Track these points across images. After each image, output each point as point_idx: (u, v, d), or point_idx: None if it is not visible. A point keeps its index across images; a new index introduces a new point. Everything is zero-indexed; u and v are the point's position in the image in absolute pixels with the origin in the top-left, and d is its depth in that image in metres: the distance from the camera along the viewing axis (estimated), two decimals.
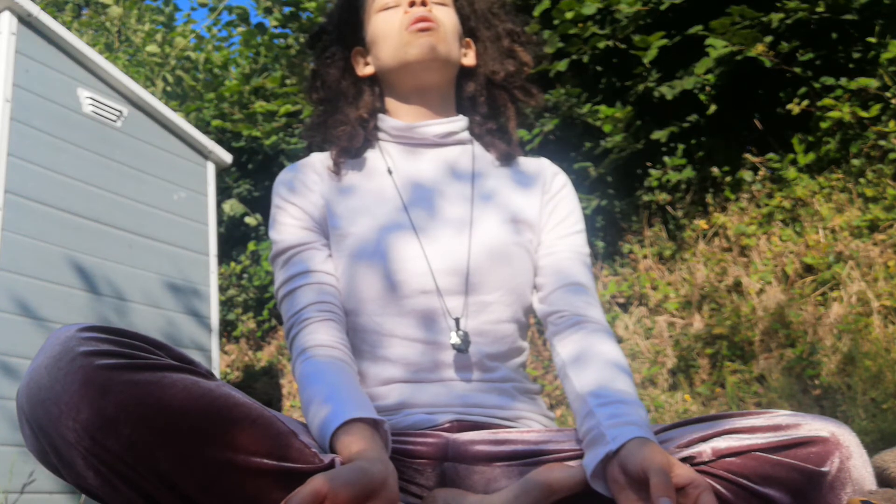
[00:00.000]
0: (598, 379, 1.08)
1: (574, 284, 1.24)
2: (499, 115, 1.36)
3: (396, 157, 1.30)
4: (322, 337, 1.13)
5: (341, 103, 1.34)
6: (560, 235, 1.28)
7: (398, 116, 1.31)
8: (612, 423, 0.98)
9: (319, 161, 1.31)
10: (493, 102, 1.36)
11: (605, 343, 1.15)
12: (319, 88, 1.37)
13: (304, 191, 1.27)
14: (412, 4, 1.26)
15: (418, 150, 1.30)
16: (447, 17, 1.29)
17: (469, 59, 1.35)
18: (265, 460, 0.87)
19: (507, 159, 1.33)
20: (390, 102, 1.32)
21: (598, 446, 0.97)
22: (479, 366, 1.18)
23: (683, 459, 0.92)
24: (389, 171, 1.28)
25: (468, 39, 1.36)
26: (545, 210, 1.29)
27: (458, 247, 1.21)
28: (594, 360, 1.11)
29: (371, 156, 1.31)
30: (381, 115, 1.31)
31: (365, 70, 1.34)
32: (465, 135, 1.33)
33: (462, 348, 1.16)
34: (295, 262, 1.22)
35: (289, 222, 1.25)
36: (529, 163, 1.36)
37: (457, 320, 1.17)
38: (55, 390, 0.83)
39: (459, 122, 1.32)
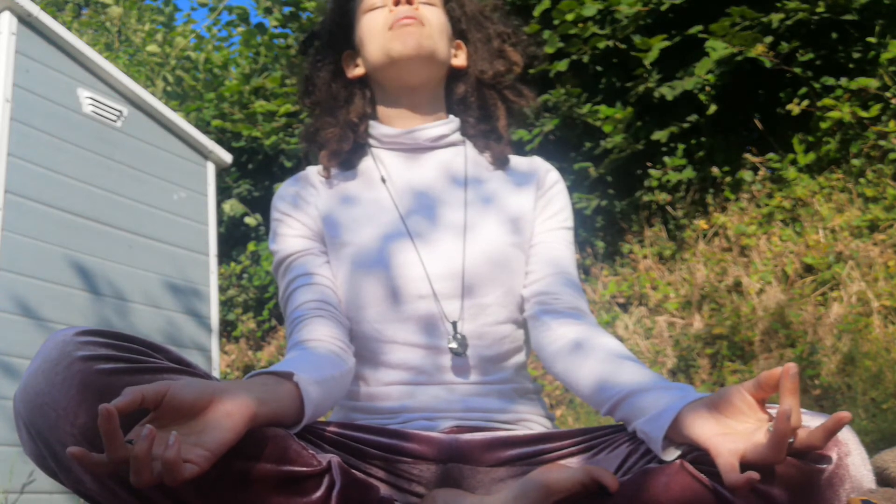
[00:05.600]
0: (637, 371, 1.06)
1: (570, 278, 1.25)
2: (490, 116, 1.36)
3: (390, 164, 1.30)
4: (315, 332, 1.14)
5: (333, 107, 1.34)
6: (552, 227, 1.29)
7: (389, 121, 1.32)
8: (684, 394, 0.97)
9: (315, 173, 1.32)
10: (484, 103, 1.36)
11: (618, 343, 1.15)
12: (311, 92, 1.37)
13: (302, 204, 1.28)
14: (397, 3, 1.27)
15: (411, 155, 1.31)
16: (434, 15, 1.30)
17: (459, 60, 1.35)
18: (263, 464, 0.87)
19: (499, 160, 1.33)
20: (381, 106, 1.33)
21: (678, 392, 0.97)
22: (479, 368, 1.19)
23: (681, 456, 0.92)
24: (383, 180, 1.28)
25: (459, 42, 1.36)
26: (538, 204, 1.30)
27: (454, 251, 1.21)
28: (622, 356, 1.11)
29: (365, 164, 1.32)
30: (372, 122, 1.32)
31: (355, 71, 1.34)
32: (457, 136, 1.33)
33: (459, 352, 1.17)
34: (293, 266, 1.24)
35: (288, 233, 1.27)
36: (522, 162, 1.36)
37: (454, 324, 1.18)
38: (53, 395, 0.83)
39: (451, 125, 1.32)
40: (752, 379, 0.87)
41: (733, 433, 0.85)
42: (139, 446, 0.74)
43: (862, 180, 4.07)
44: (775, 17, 4.10)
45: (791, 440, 0.82)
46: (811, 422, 0.88)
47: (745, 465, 0.82)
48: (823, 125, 4.24)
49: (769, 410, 0.88)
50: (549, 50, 4.47)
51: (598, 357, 1.11)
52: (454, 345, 1.17)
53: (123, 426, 0.74)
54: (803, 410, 0.90)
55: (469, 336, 1.18)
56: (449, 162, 1.31)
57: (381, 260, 1.20)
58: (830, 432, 0.80)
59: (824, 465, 0.85)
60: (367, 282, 1.20)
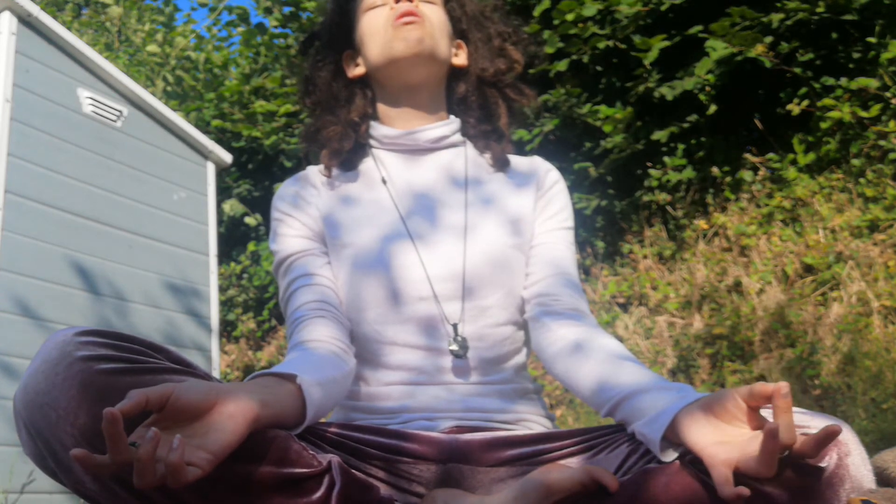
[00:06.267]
0: (637, 372, 1.06)
1: (570, 279, 1.25)
2: (491, 116, 1.36)
3: (391, 165, 1.30)
4: (316, 333, 1.14)
5: (333, 106, 1.34)
6: (552, 228, 1.29)
7: (390, 122, 1.32)
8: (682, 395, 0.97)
9: (315, 173, 1.32)
10: (485, 102, 1.36)
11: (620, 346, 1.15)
12: (312, 92, 1.37)
13: (303, 204, 1.28)
14: (398, 1, 1.27)
15: (412, 156, 1.31)
16: (434, 14, 1.30)
17: (460, 60, 1.35)
18: (264, 466, 0.87)
19: (500, 161, 1.33)
20: (381, 106, 1.33)
21: (676, 393, 0.97)
22: (479, 370, 1.19)
23: (680, 457, 0.92)
24: (384, 181, 1.28)
25: (459, 41, 1.37)
26: (539, 205, 1.30)
27: (455, 253, 1.21)
28: (622, 357, 1.10)
29: (366, 165, 1.31)
30: (373, 123, 1.32)
31: (356, 71, 1.34)
32: (458, 137, 1.33)
33: (460, 354, 1.17)
34: (294, 267, 1.24)
35: (288, 233, 1.26)
36: (522, 162, 1.36)
37: (454, 326, 1.18)
38: (53, 395, 0.83)
39: (451, 125, 1.32)
40: (747, 385, 0.87)
41: (728, 442, 0.86)
42: (143, 449, 0.74)
43: (862, 180, 4.07)
44: (775, 17, 4.10)
45: (787, 452, 0.82)
46: (811, 422, 0.88)
47: (739, 475, 0.83)
48: (823, 125, 4.24)
49: (765, 414, 0.88)
50: (549, 50, 4.47)
51: (598, 358, 1.11)
52: (455, 347, 1.17)
53: (125, 427, 0.74)
54: (803, 411, 0.90)
55: (469, 338, 1.18)
56: (449, 163, 1.31)
57: (382, 261, 1.20)
58: (822, 443, 0.81)
59: (824, 465, 0.86)
60: (367, 283, 1.19)
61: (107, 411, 0.72)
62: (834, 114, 4.12)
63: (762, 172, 4.45)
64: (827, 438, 0.80)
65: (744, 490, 0.80)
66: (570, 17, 4.41)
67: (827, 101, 4.16)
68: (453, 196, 1.27)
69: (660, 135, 4.51)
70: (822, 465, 0.86)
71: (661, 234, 4.67)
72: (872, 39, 4.13)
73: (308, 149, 1.37)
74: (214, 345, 4.00)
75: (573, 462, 1.04)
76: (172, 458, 0.75)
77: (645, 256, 4.60)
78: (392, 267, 1.19)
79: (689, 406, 0.92)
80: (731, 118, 4.65)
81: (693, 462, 0.90)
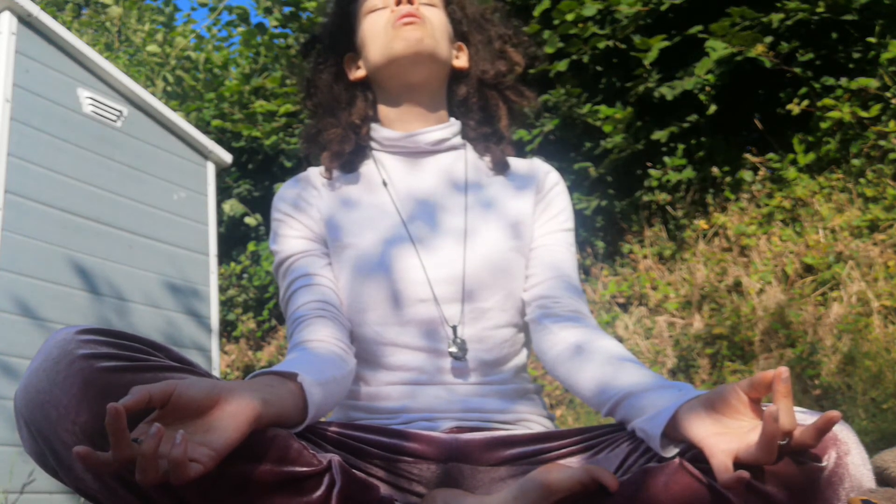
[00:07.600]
0: (637, 372, 1.06)
1: (570, 281, 1.25)
2: (491, 118, 1.36)
3: (391, 168, 1.30)
4: (317, 333, 1.14)
5: (335, 109, 1.35)
6: (552, 230, 1.29)
7: (390, 124, 1.32)
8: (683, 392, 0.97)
9: (316, 175, 1.33)
10: (485, 104, 1.36)
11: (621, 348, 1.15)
12: (313, 95, 1.38)
13: (304, 205, 1.28)
14: (399, 3, 1.28)
15: (412, 159, 1.31)
16: (434, 15, 1.31)
17: (461, 62, 1.36)
18: (265, 464, 0.87)
19: (499, 164, 1.34)
20: (382, 109, 1.33)
21: (676, 391, 0.96)
22: (479, 371, 1.19)
23: (681, 453, 0.92)
24: (384, 184, 1.28)
25: (460, 43, 1.37)
26: (538, 207, 1.31)
27: (455, 256, 1.22)
28: (622, 358, 1.11)
29: (366, 168, 1.32)
30: (373, 125, 1.32)
31: (357, 73, 1.35)
32: (458, 140, 1.34)
33: (459, 356, 1.17)
34: (294, 268, 1.24)
35: (289, 234, 1.27)
36: (521, 165, 1.36)
37: (454, 328, 1.19)
38: (54, 393, 0.83)
39: (452, 128, 1.32)
40: (748, 378, 0.88)
41: (728, 433, 0.86)
42: (147, 445, 0.74)
43: (862, 180, 4.07)
44: (775, 17, 4.11)
45: (786, 440, 0.82)
46: (811, 421, 0.88)
47: (739, 466, 0.83)
48: (823, 125, 4.24)
49: (766, 408, 0.88)
50: (549, 50, 4.47)
51: (599, 360, 1.11)
52: (454, 349, 1.17)
53: (127, 424, 0.74)
54: (804, 410, 0.91)
55: (469, 340, 1.19)
56: (449, 166, 1.31)
57: (383, 264, 1.20)
58: (821, 431, 0.81)
59: (822, 464, 0.86)
60: (368, 285, 1.20)
61: (110, 406, 0.72)
62: (834, 114, 4.12)
63: (762, 172, 4.45)
64: (826, 425, 0.80)
65: (744, 473, 0.80)
66: (570, 17, 4.41)
67: (827, 101, 4.16)
68: (453, 199, 1.28)
69: (660, 135, 4.51)
70: (822, 464, 0.86)
71: (661, 234, 4.67)
72: (872, 39, 4.13)
73: (308, 150, 1.37)
74: (214, 345, 4.00)
75: (573, 461, 1.04)
76: (175, 453, 0.75)
77: (645, 256, 4.60)
78: (393, 270, 1.20)
79: (691, 402, 0.92)
80: (731, 118, 4.65)
81: (694, 459, 0.90)
